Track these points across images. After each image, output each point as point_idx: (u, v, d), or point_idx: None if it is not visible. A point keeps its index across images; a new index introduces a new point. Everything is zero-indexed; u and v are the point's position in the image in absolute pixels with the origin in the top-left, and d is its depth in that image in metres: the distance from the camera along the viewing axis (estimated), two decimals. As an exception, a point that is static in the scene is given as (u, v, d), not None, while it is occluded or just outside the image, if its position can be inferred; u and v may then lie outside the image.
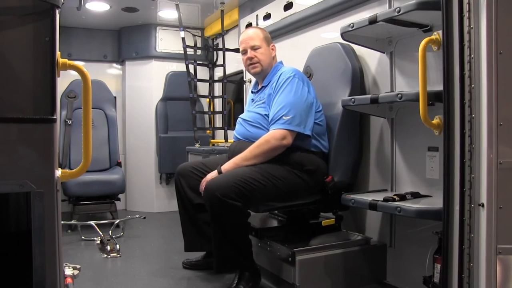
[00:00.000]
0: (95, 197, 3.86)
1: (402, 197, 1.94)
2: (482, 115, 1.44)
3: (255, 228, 2.41)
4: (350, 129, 2.39)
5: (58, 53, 1.25)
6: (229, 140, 3.98)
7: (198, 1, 3.98)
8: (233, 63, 4.24)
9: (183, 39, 3.90)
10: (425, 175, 2.10)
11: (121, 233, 3.54)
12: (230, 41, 4.19)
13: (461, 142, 1.50)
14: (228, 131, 4.11)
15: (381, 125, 2.36)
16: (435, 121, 1.74)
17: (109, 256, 2.97)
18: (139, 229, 3.82)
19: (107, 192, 3.91)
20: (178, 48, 4.15)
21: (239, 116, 2.56)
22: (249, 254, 2.20)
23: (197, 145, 3.87)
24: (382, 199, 1.93)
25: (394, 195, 1.95)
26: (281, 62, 2.54)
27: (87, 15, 4.21)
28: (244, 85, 3.95)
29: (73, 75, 3.95)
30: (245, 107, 2.70)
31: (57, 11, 1.23)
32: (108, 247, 3.03)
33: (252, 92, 2.62)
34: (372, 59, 2.43)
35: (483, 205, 1.44)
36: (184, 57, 3.94)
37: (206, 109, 4.78)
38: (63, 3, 1.29)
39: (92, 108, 1.44)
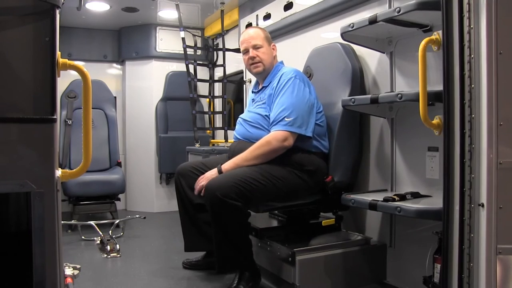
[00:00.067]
0: (95, 197, 3.86)
1: (402, 197, 1.94)
2: (482, 115, 1.45)
3: (255, 228, 2.41)
4: (350, 129, 2.39)
5: (58, 53, 1.25)
6: (229, 140, 3.98)
7: (198, 1, 3.98)
8: (233, 63, 4.24)
9: (183, 39, 3.90)
10: (425, 175, 2.10)
11: (121, 233, 3.54)
12: (230, 41, 4.19)
13: (461, 142, 1.50)
14: (228, 131, 4.11)
15: (381, 125, 2.36)
16: (435, 121, 1.74)
17: (109, 256, 2.97)
18: (139, 229, 3.82)
19: (107, 192, 3.91)
20: (178, 48, 4.15)
21: (239, 116, 2.56)
22: (249, 254, 2.20)
23: (197, 145, 3.87)
24: (382, 199, 1.93)
25: (394, 195, 1.95)
26: (281, 62, 2.54)
27: (87, 15, 4.21)
28: (244, 85, 3.95)
29: (73, 75, 3.95)
30: (245, 107, 2.70)
31: (57, 11, 1.23)
32: (108, 247, 3.03)
33: (252, 92, 2.62)
34: (372, 59, 2.43)
35: (483, 205, 1.44)
36: (184, 57, 3.95)
37: (206, 109, 4.78)
38: (63, 3, 1.29)
39: (92, 108, 1.44)
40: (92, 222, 3.31)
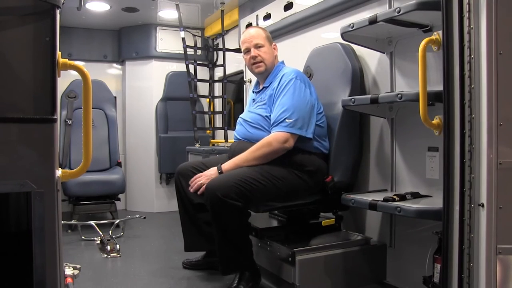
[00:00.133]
0: (95, 197, 3.86)
1: (402, 197, 1.94)
2: (482, 115, 1.45)
3: (255, 228, 2.41)
4: (350, 129, 2.39)
5: (58, 53, 1.25)
6: (229, 140, 3.98)
7: (198, 1, 3.98)
8: (233, 63, 4.24)
9: (183, 39, 3.90)
10: (425, 175, 2.10)
11: (121, 233, 3.54)
12: (230, 41, 4.19)
13: (461, 142, 1.50)
14: (228, 131, 4.11)
15: (381, 125, 2.36)
16: (435, 121, 1.74)
17: (109, 256, 2.97)
18: (139, 229, 3.83)
19: (107, 192, 3.91)
20: (178, 48, 4.15)
21: (240, 116, 2.56)
22: (249, 254, 2.20)
23: (197, 145, 3.87)
24: (382, 199, 1.93)
25: (394, 195, 1.95)
26: (282, 62, 2.53)
27: (87, 15, 4.22)
28: (244, 85, 3.95)
29: (73, 75, 3.95)
30: (246, 107, 2.70)
31: (58, 11, 1.23)
32: (108, 247, 3.03)
33: (253, 92, 2.61)
34: (372, 59, 2.43)
35: (483, 205, 1.44)
36: (184, 57, 3.95)
37: (206, 109, 4.78)
38: (63, 3, 1.29)
39: (92, 108, 1.44)
40: (92, 222, 3.31)
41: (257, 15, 3.55)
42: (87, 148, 1.35)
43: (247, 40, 2.46)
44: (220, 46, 4.25)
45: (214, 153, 3.47)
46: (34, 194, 1.17)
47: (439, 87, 1.63)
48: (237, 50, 3.87)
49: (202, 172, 2.39)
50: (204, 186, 2.18)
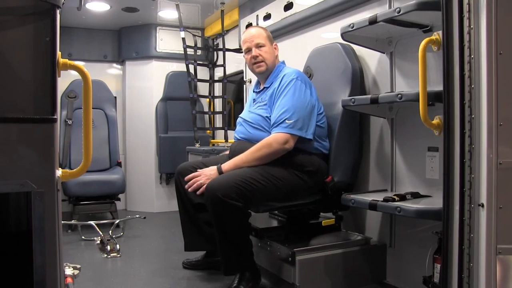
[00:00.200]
0: (95, 197, 3.86)
1: (402, 197, 1.94)
2: (482, 115, 1.45)
3: (255, 228, 2.41)
4: (350, 129, 2.39)
5: (58, 53, 1.25)
6: (229, 140, 3.98)
7: (198, 1, 3.98)
8: (233, 63, 4.24)
9: (183, 39, 3.90)
10: (425, 175, 2.10)
11: (121, 233, 3.54)
12: (230, 41, 4.19)
13: (461, 142, 1.50)
14: (228, 131, 4.11)
15: (381, 125, 2.36)
16: (435, 121, 1.74)
17: (109, 256, 2.97)
18: (139, 229, 3.82)
19: (107, 192, 3.91)
20: (178, 48, 4.16)
21: (239, 115, 2.56)
22: (249, 254, 2.20)
23: (197, 145, 3.87)
24: (382, 199, 1.93)
25: (394, 195, 1.95)
26: (283, 62, 2.53)
27: (87, 15, 4.22)
28: (244, 85, 3.95)
29: (74, 75, 3.95)
30: (245, 106, 2.69)
31: (58, 11, 1.23)
32: (108, 247, 3.03)
33: (253, 91, 2.61)
34: (372, 59, 2.43)
35: (483, 205, 1.44)
36: (184, 57, 3.95)
37: (206, 109, 4.78)
38: (63, 3, 1.29)
39: (92, 108, 1.44)
40: (92, 222, 3.31)
41: (257, 15, 3.55)
42: (87, 148, 1.35)
43: (248, 40, 2.46)
44: (220, 46, 4.25)
45: (214, 153, 3.47)
46: (34, 194, 1.17)
47: (439, 87, 1.63)
48: (237, 50, 3.87)
49: (202, 172, 2.39)
50: (204, 186, 2.18)
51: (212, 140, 4.50)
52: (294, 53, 3.07)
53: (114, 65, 4.94)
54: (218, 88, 4.62)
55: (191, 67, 4.00)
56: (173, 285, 2.44)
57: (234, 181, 2.08)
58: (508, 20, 1.44)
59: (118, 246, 3.08)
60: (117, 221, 3.53)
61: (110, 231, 3.28)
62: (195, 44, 4.20)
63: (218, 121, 4.67)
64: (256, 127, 2.37)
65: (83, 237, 3.37)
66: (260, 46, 2.43)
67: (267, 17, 3.41)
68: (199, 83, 4.32)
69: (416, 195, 2.02)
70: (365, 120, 2.44)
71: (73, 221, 3.52)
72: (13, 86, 1.18)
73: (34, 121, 1.18)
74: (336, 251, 2.24)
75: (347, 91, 2.35)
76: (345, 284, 2.23)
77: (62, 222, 1.32)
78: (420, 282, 1.90)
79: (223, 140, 4.12)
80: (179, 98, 4.63)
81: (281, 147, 2.21)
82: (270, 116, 2.33)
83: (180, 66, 4.52)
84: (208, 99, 4.60)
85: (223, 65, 4.15)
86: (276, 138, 2.22)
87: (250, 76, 3.76)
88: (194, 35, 4.21)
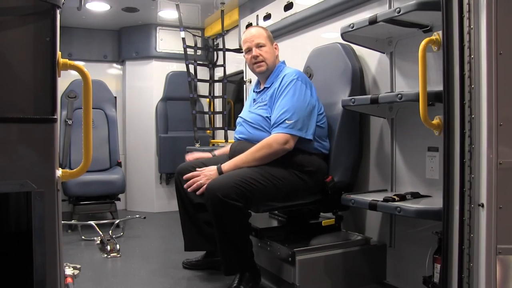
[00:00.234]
0: (95, 197, 3.86)
1: (402, 197, 1.94)
2: (482, 115, 1.45)
3: (255, 228, 2.41)
4: (350, 129, 2.39)
5: (58, 53, 1.25)
6: (229, 140, 3.98)
7: (198, 1, 3.98)
8: (233, 63, 4.24)
9: (183, 39, 3.90)
10: (425, 175, 2.10)
11: (121, 233, 3.54)
12: (230, 41, 4.19)
13: (461, 142, 1.50)
14: (228, 131, 4.11)
15: (381, 125, 2.36)
16: (435, 121, 1.74)
17: (109, 256, 2.97)
18: (139, 229, 3.83)
19: (107, 192, 3.91)
20: (178, 48, 4.16)
21: (239, 115, 2.56)
22: (249, 255, 2.20)
23: (197, 145, 3.87)
24: (382, 199, 1.93)
25: (394, 195, 1.95)
26: (283, 62, 2.53)
27: (87, 15, 4.22)
28: (244, 85, 3.95)
29: (74, 75, 3.95)
30: (245, 105, 2.69)
31: (58, 11, 1.23)
32: (108, 247, 3.03)
33: (254, 91, 2.61)
34: (372, 59, 2.43)
35: (483, 205, 1.44)
36: (184, 57, 3.95)
37: (206, 109, 4.78)
38: (63, 3, 1.29)
39: (93, 108, 1.44)
40: (92, 222, 3.31)
41: (257, 15, 3.55)
42: (87, 148, 1.35)
43: (248, 40, 2.46)
44: (220, 46, 4.25)
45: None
46: (34, 194, 1.17)
47: (439, 87, 1.63)
48: (237, 50, 3.87)
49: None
50: (204, 186, 2.18)
51: (212, 140, 4.50)
52: (294, 53, 3.06)
53: (114, 65, 4.94)
54: (218, 88, 4.62)
55: (191, 67, 4.00)
56: (173, 285, 2.44)
57: (234, 181, 2.08)
58: (508, 20, 1.44)
59: (118, 246, 3.08)
60: (117, 221, 3.53)
61: (110, 231, 3.28)
62: (195, 44, 4.20)
63: (218, 121, 4.67)
64: (256, 127, 2.37)
65: (83, 237, 3.37)
66: (261, 46, 2.42)
67: (267, 17, 3.41)
68: (199, 83, 4.32)
69: (416, 195, 2.02)
70: (365, 120, 2.44)
71: (73, 221, 3.52)
72: (13, 86, 1.18)
73: (34, 121, 1.18)
74: (336, 251, 2.24)
75: (347, 91, 2.35)
76: (345, 284, 2.23)
77: (62, 222, 1.32)
78: (420, 282, 1.90)
79: (223, 140, 4.12)
80: (179, 98, 4.63)
81: (281, 148, 2.21)
82: (270, 116, 2.33)
83: (180, 66, 4.52)
84: (208, 99, 4.60)
85: (223, 65, 4.15)
86: (276, 138, 2.22)
87: (250, 76, 3.76)
88: (194, 35, 4.21)
